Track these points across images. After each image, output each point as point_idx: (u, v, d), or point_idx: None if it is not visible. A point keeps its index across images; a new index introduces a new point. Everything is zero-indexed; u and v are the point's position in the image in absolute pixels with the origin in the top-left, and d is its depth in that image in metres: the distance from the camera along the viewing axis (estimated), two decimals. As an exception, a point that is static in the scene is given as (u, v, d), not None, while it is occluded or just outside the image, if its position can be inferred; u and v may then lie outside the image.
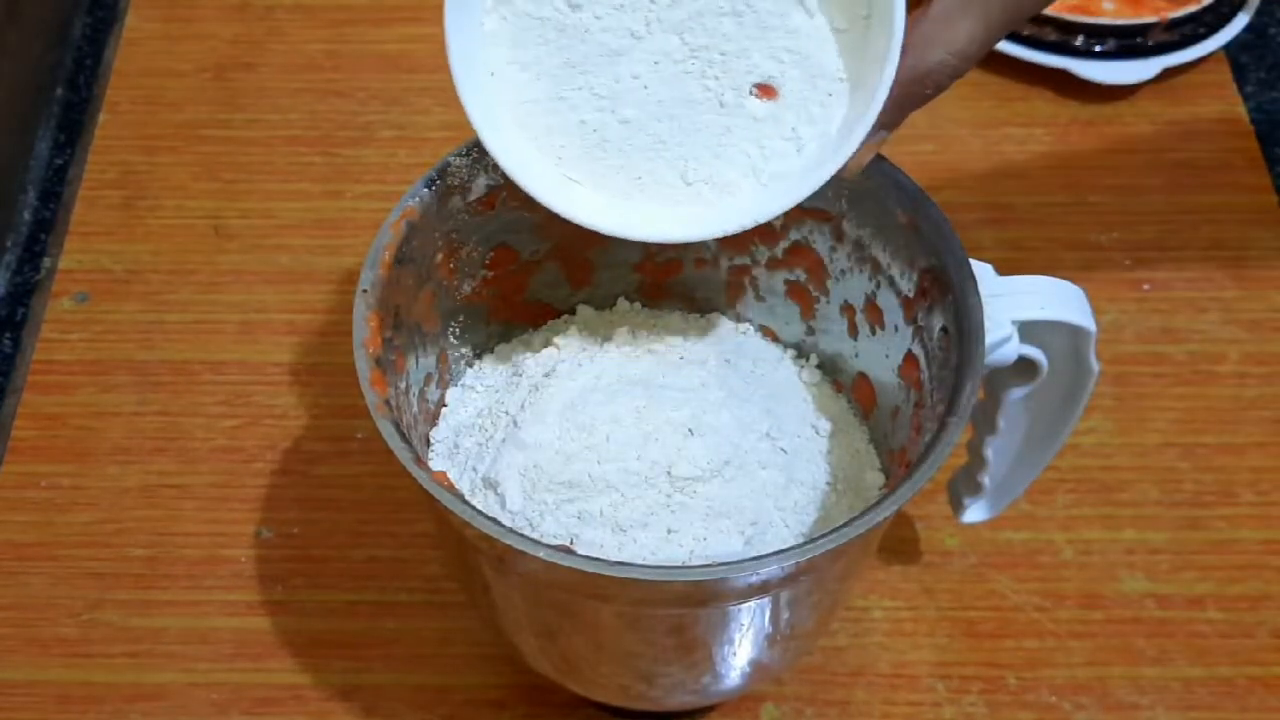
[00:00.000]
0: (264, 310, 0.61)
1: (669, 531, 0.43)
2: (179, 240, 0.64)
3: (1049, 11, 0.68)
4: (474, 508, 0.38)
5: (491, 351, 0.50)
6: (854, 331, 0.48)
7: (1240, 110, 0.68)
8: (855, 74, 0.41)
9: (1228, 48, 0.70)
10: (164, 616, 0.53)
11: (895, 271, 0.45)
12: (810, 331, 0.50)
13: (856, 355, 0.49)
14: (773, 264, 0.49)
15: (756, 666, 0.45)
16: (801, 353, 0.51)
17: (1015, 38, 0.69)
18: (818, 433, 0.47)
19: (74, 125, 0.69)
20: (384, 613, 0.53)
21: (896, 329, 0.46)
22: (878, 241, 0.45)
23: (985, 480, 0.49)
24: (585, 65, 0.41)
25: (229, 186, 0.66)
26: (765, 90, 0.41)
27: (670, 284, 0.51)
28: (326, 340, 0.60)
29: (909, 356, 0.45)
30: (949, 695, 0.51)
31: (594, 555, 0.40)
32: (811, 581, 0.42)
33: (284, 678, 0.52)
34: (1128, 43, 0.68)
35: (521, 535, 0.38)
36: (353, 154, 0.67)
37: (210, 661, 0.52)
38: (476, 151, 0.45)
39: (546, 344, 0.48)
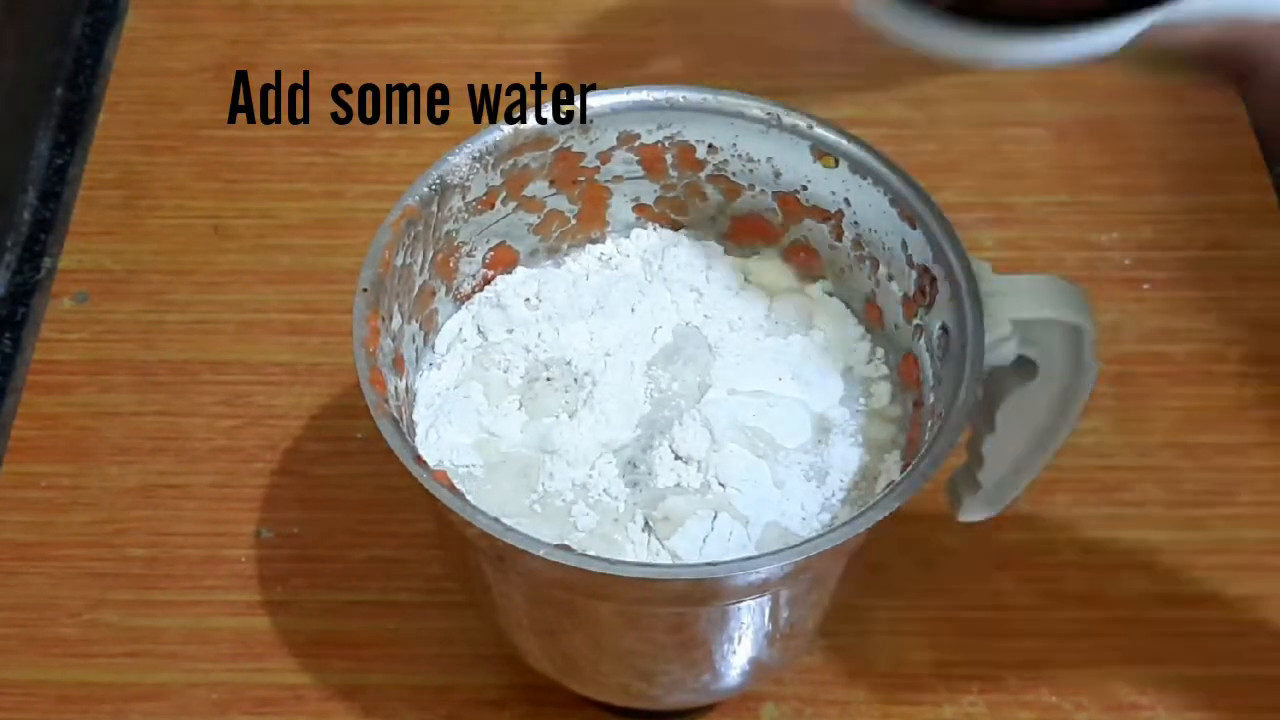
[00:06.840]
0: (264, 310, 0.61)
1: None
2: (179, 240, 0.64)
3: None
4: (474, 506, 0.38)
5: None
6: (853, 330, 0.48)
7: (1240, 110, 0.68)
8: None
9: (1228, 48, 0.69)
10: (164, 616, 0.53)
11: (895, 270, 0.45)
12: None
13: (856, 354, 0.49)
14: (772, 263, 0.49)
15: (756, 665, 0.45)
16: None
17: (1015, 38, 0.69)
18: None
19: (74, 125, 0.69)
20: (384, 613, 0.53)
21: (896, 327, 0.46)
22: (877, 240, 0.45)
23: (984, 479, 0.48)
24: None
25: (229, 186, 0.66)
26: None
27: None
28: (326, 340, 0.60)
29: (909, 356, 0.45)
30: (949, 695, 0.51)
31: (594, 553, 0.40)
32: (811, 580, 0.42)
33: (284, 678, 0.52)
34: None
35: (522, 534, 0.38)
36: (353, 154, 0.67)
37: (210, 661, 0.52)
38: (476, 151, 0.45)
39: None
